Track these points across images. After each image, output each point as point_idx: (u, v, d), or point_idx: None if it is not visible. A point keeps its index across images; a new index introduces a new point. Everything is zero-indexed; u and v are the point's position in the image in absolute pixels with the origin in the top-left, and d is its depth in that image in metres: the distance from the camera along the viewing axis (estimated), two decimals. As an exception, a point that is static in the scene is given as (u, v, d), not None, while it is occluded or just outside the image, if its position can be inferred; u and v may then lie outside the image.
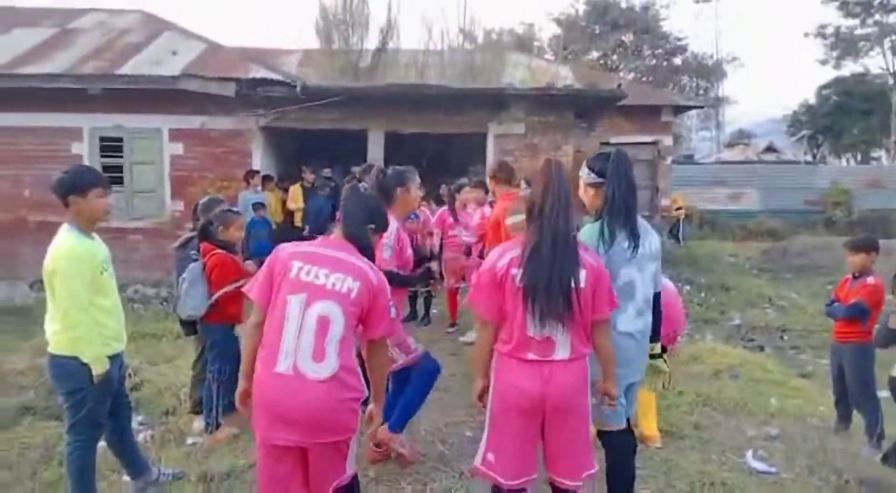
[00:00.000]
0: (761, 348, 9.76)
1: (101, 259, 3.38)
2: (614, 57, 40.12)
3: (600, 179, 3.03)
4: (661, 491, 3.76)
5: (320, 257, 2.67)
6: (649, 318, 3.08)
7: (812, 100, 42.30)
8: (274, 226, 11.11)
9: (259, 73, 11.33)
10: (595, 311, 2.68)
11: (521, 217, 4.77)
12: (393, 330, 2.87)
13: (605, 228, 2.94)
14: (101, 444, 3.63)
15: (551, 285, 2.57)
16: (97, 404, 3.34)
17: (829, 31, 41.39)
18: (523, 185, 6.04)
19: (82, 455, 3.37)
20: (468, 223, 7.45)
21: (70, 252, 3.25)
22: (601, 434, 3.11)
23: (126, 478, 3.83)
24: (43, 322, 3.40)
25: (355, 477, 2.77)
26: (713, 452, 4.44)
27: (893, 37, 38.94)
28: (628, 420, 3.20)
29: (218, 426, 4.58)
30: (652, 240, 3.09)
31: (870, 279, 4.82)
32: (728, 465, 4.28)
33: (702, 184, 23.52)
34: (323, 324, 2.55)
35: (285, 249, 2.72)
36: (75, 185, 3.33)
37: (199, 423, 4.77)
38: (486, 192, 7.01)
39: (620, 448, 3.12)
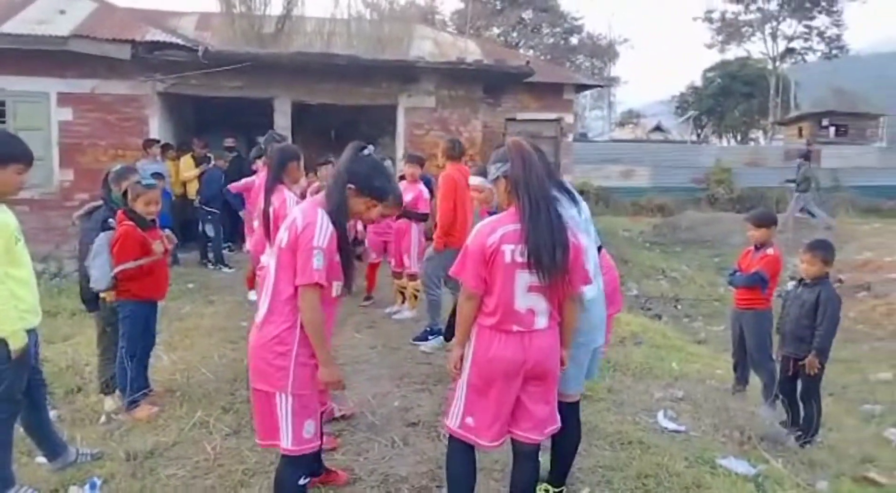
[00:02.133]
0: (658, 317, 10.36)
1: (13, 228, 3.14)
2: (514, 34, 40.64)
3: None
4: (585, 451, 3.94)
5: None
6: (600, 281, 3.19)
7: (698, 82, 44.51)
8: (174, 198, 10.63)
9: (157, 35, 10.73)
10: (572, 285, 2.77)
11: (480, 179, 4.90)
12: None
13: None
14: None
15: (554, 247, 2.64)
16: (14, 381, 3.13)
17: (716, 15, 43.60)
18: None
19: (1, 432, 3.16)
20: None
21: None
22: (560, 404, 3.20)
23: (41, 459, 3.63)
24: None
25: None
26: (627, 413, 4.69)
27: (774, 23, 41.54)
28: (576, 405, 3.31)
29: (134, 403, 4.39)
30: (584, 204, 3.14)
31: (770, 250, 5.19)
32: (642, 425, 4.53)
33: (596, 161, 24.34)
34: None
35: None
36: None
37: (111, 402, 4.55)
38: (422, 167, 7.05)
39: (575, 415, 3.25)
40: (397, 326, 6.74)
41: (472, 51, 14.75)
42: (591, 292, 3.08)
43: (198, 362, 5.32)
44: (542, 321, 2.76)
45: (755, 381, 5.60)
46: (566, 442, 3.25)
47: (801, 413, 4.91)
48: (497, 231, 2.71)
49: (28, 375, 3.25)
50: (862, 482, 4.30)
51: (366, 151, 2.90)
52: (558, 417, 2.96)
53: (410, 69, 11.67)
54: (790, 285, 4.90)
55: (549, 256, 2.63)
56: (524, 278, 2.69)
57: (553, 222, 2.67)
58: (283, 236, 2.76)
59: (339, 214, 2.78)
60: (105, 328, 4.67)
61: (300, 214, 2.76)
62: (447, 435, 3.01)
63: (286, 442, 2.73)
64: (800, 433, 4.80)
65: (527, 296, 2.71)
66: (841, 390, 7.37)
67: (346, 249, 2.83)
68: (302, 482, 2.81)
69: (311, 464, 2.94)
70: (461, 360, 2.88)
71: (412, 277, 6.90)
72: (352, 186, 2.81)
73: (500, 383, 2.75)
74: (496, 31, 39.68)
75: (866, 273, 12.54)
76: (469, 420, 2.83)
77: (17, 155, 3.14)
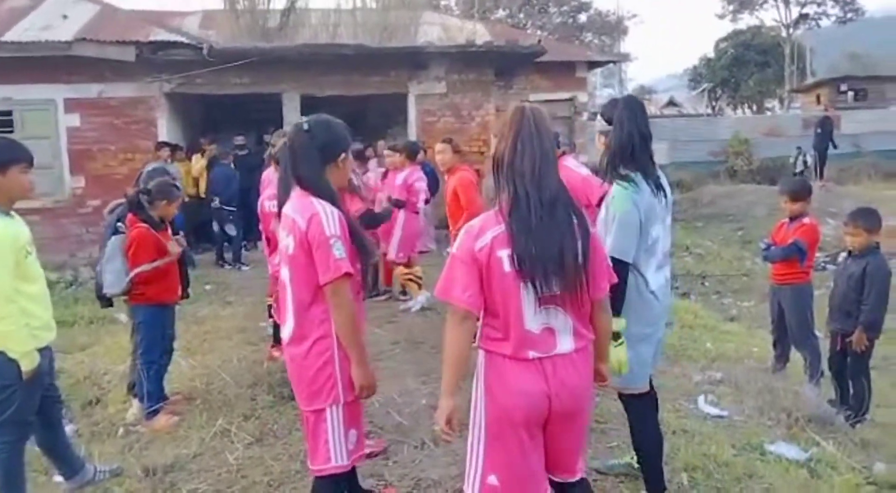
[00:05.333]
0: (686, 295, 10.09)
1: (24, 242, 2.99)
2: (521, 15, 40.12)
3: (609, 126, 2.89)
4: (626, 444, 3.73)
5: None
6: (668, 271, 3.00)
7: (711, 54, 43.82)
8: (186, 198, 10.50)
9: (160, 35, 10.58)
10: (595, 288, 2.22)
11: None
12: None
13: (642, 183, 2.82)
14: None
15: (553, 260, 2.08)
16: (25, 402, 2.99)
17: (727, -16, 42.76)
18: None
19: (10, 457, 3.02)
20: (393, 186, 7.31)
21: None
22: (623, 397, 3.01)
23: (58, 478, 3.49)
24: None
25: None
26: (666, 400, 4.44)
27: (786, -12, 40.63)
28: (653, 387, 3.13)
29: (153, 413, 4.25)
30: (668, 189, 2.99)
31: (806, 219, 4.95)
32: (682, 412, 4.32)
33: (613, 139, 23.87)
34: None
35: None
36: None
37: (138, 405, 4.39)
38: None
39: (645, 410, 3.02)
40: (419, 319, 6.56)
41: (480, 34, 14.46)
42: (658, 280, 2.89)
43: (217, 366, 5.17)
44: (565, 343, 2.16)
45: (795, 358, 5.36)
46: (645, 440, 3.01)
47: (850, 391, 4.67)
48: (485, 234, 2.13)
49: (41, 394, 3.10)
50: (922, 461, 4.05)
51: (305, 126, 2.59)
52: (586, 450, 2.59)
53: (419, 55, 11.42)
54: (841, 256, 4.66)
55: (543, 268, 2.07)
56: (532, 290, 2.10)
57: (552, 223, 2.10)
58: (287, 243, 2.52)
59: (332, 196, 2.53)
60: (137, 325, 4.51)
61: (295, 213, 2.50)
62: None
63: (338, 459, 2.53)
64: (850, 412, 4.56)
65: (539, 311, 2.12)
66: (882, 361, 7.09)
67: (357, 230, 2.59)
68: None
69: (350, 477, 2.74)
70: (455, 412, 2.18)
71: (396, 264, 6.95)
72: (324, 156, 2.57)
73: (524, 429, 2.15)
74: (502, 13, 39.18)
75: (896, 240, 12.19)
76: (492, 479, 2.19)
77: (16, 156, 3.00)
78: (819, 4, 42.29)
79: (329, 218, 2.44)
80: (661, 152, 24.91)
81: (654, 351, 3.02)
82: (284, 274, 2.56)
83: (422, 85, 11.66)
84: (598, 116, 3.05)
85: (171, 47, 10.44)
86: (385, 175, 7.48)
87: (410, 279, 6.95)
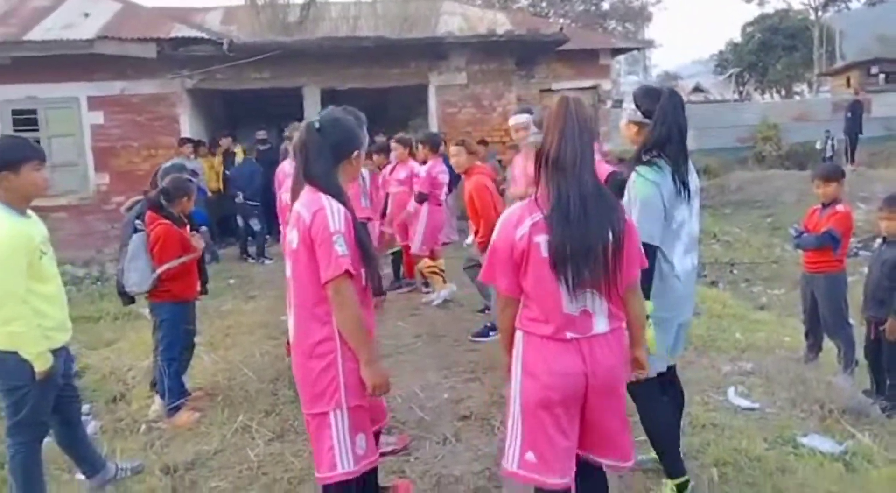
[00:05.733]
0: (715, 284, 9.90)
1: (38, 242, 2.97)
2: (543, 3, 39.73)
3: (646, 120, 2.84)
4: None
5: None
6: (696, 255, 2.95)
7: (737, 39, 43.09)
8: (209, 194, 10.57)
9: (181, 31, 10.61)
10: (628, 273, 2.31)
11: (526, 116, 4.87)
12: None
13: (666, 169, 2.79)
14: (49, 440, 3.28)
15: (587, 251, 2.18)
16: (39, 403, 2.98)
17: (753, -32, 41.97)
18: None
19: (26, 457, 3.02)
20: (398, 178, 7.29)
21: (3, 237, 2.84)
22: (630, 385, 2.91)
23: (80, 476, 3.49)
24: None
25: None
26: (694, 392, 4.34)
27: (814, -29, 39.79)
28: (673, 367, 3.06)
29: (175, 409, 4.24)
30: (695, 175, 2.98)
31: (839, 206, 4.78)
32: (712, 404, 4.21)
33: (637, 127, 23.55)
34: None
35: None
36: (5, 159, 2.90)
37: (160, 402, 4.40)
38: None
39: (652, 392, 2.95)
40: (441, 312, 6.51)
41: (501, 23, 14.29)
42: (684, 265, 2.84)
43: (239, 361, 5.16)
44: (601, 324, 2.27)
45: (829, 348, 5.20)
46: (657, 423, 2.97)
47: (887, 381, 4.51)
48: (524, 222, 2.24)
49: (56, 393, 3.09)
50: (962, 454, 3.89)
51: (316, 125, 2.52)
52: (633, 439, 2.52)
53: (439, 46, 11.32)
54: (877, 243, 4.51)
55: (581, 259, 2.17)
56: (567, 276, 2.22)
57: (590, 215, 2.18)
58: (291, 238, 2.47)
59: (340, 194, 2.48)
60: (160, 323, 4.51)
61: (301, 207, 2.44)
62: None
63: (344, 465, 2.44)
64: (886, 403, 4.40)
65: (577, 295, 2.22)
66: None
67: (362, 233, 2.51)
68: None
69: (364, 485, 2.64)
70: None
71: (420, 257, 6.88)
72: (337, 154, 2.52)
73: (560, 408, 2.25)
74: (524, 2, 38.83)
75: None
76: (530, 456, 2.29)
77: (27, 153, 2.98)
78: (848, -14, 41.31)
79: (334, 214, 2.39)
80: (688, 139, 24.51)
81: (675, 338, 2.94)
82: (288, 270, 2.52)
83: (442, 76, 11.57)
84: (631, 105, 2.93)
85: (191, 43, 10.48)
86: (393, 169, 7.38)
87: (434, 272, 6.88)
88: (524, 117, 5.05)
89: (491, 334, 5.46)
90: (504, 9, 28.80)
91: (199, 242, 4.40)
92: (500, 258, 2.29)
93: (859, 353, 4.87)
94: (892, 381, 4.49)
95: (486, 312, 5.93)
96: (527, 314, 2.31)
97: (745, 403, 4.24)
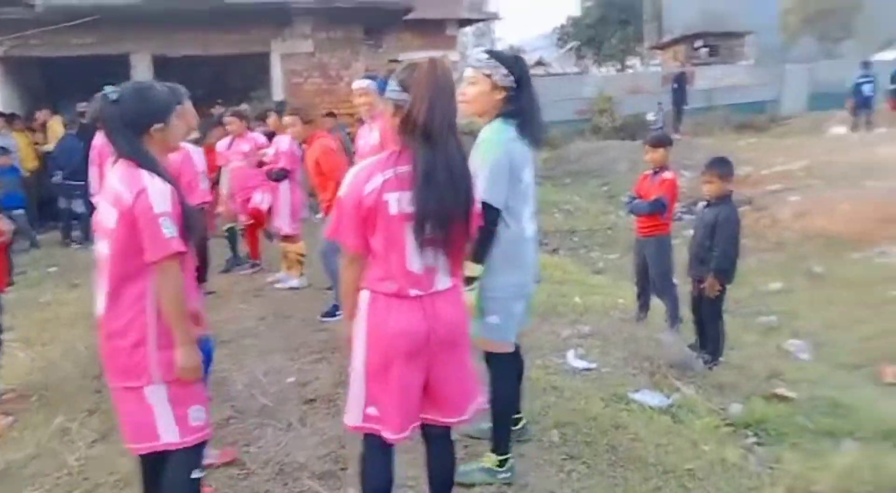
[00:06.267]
0: (556, 251, 10.34)
1: None
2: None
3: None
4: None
5: None
6: (535, 220, 2.98)
7: (577, 13, 44.81)
8: (27, 174, 9.56)
9: (-19, -10, 9.41)
10: (471, 233, 2.39)
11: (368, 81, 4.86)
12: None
13: (517, 128, 2.79)
14: None
15: (446, 214, 2.22)
16: None
17: (589, -61, 43.44)
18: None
19: None
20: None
21: None
22: (487, 356, 2.94)
23: None
24: None
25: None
26: (536, 357, 4.48)
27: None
28: (518, 346, 3.07)
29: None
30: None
31: (667, 174, 5.08)
32: (552, 368, 4.36)
33: (485, 98, 23.97)
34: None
35: None
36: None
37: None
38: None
39: (510, 371, 3.00)
40: (289, 293, 6.28)
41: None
42: (532, 230, 2.90)
43: (59, 357, 4.71)
44: (444, 281, 2.32)
45: (658, 306, 5.55)
46: (505, 402, 2.98)
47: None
48: (374, 178, 2.22)
49: None
50: (772, 399, 4.31)
51: (113, 95, 2.32)
52: (479, 390, 2.55)
53: (282, 12, 10.82)
54: (699, 205, 4.83)
55: (440, 222, 2.21)
56: (418, 233, 2.23)
57: (456, 182, 2.23)
58: (108, 216, 2.30)
59: (155, 167, 2.32)
60: None
61: (120, 184, 2.27)
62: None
63: (170, 436, 2.32)
64: (708, 356, 4.78)
65: (422, 252, 2.24)
66: (734, 305, 7.55)
67: (189, 209, 2.36)
68: (196, 475, 2.42)
69: (202, 456, 2.51)
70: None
71: (287, 239, 6.49)
72: (135, 127, 2.34)
73: (403, 360, 2.26)
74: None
75: (746, 187, 12.95)
76: (371, 410, 2.34)
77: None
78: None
79: (159, 194, 2.25)
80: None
81: (524, 307, 2.98)
82: (102, 248, 2.35)
83: (286, 43, 11.12)
84: (500, 68, 2.82)
85: (-3, 5, 9.33)
86: (231, 143, 6.99)
87: (299, 261, 6.50)
88: (365, 82, 4.94)
89: (338, 313, 5.32)
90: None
91: (7, 225, 3.98)
92: (347, 214, 2.26)
93: (685, 311, 5.24)
94: (711, 335, 4.87)
95: (331, 290, 5.76)
96: (373, 274, 2.31)
97: (582, 364, 4.43)
